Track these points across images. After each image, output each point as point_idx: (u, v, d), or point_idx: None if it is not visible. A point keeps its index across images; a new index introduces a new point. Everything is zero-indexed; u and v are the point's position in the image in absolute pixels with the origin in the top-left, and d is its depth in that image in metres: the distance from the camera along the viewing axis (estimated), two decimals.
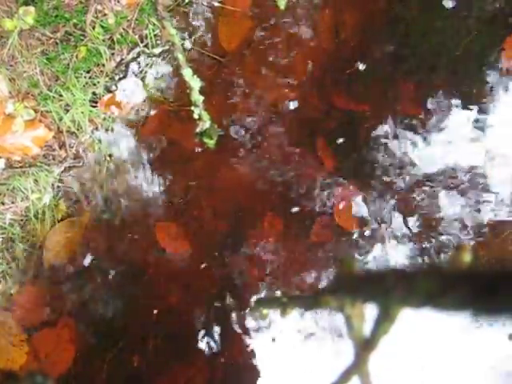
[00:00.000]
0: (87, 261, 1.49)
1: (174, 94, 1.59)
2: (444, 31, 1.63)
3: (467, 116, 1.57)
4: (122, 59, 1.58)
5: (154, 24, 1.57)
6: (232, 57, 1.61)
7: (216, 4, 1.63)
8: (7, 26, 1.36)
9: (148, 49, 1.59)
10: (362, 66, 1.60)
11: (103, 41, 1.52)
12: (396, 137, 1.56)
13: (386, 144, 1.55)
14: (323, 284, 1.45)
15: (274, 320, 1.45)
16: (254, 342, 1.44)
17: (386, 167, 1.54)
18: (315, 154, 1.55)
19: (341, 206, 1.52)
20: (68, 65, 1.48)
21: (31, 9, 1.37)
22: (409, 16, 1.64)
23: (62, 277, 1.47)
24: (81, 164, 1.53)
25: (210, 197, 1.54)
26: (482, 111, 1.56)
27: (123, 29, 1.55)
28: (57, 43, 1.49)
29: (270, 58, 1.62)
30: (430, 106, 1.58)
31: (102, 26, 1.51)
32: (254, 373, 1.42)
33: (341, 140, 1.56)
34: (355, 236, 1.50)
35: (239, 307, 1.46)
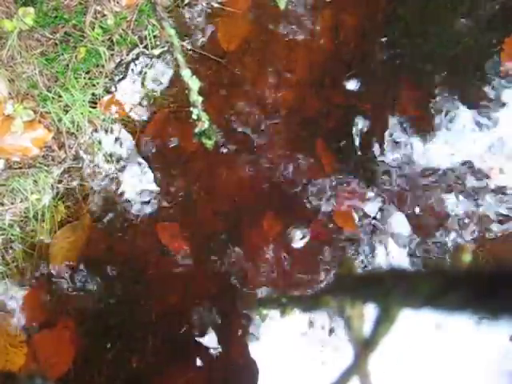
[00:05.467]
0: (87, 261, 1.48)
1: (173, 94, 1.59)
2: (444, 31, 1.63)
3: (467, 115, 1.57)
4: (122, 60, 1.58)
5: (154, 25, 1.57)
6: (231, 57, 1.61)
7: (215, 5, 1.63)
8: (7, 26, 1.36)
9: (147, 49, 1.59)
10: (361, 66, 1.60)
11: (102, 42, 1.52)
12: (396, 137, 1.56)
13: (385, 144, 1.55)
14: (323, 284, 1.45)
15: (274, 320, 1.44)
16: (254, 343, 1.44)
17: (386, 167, 1.54)
18: (315, 154, 1.55)
19: (340, 206, 1.51)
20: (67, 66, 1.48)
21: (30, 10, 1.37)
22: (408, 16, 1.64)
23: (61, 278, 1.47)
24: (80, 165, 1.53)
25: (209, 197, 1.53)
26: (482, 111, 1.57)
27: (122, 30, 1.55)
28: (56, 44, 1.48)
29: (270, 59, 1.62)
30: (429, 105, 1.58)
31: (102, 27, 1.51)
32: (254, 373, 1.42)
33: (340, 140, 1.56)
34: (355, 236, 1.50)
35: (239, 307, 1.46)
